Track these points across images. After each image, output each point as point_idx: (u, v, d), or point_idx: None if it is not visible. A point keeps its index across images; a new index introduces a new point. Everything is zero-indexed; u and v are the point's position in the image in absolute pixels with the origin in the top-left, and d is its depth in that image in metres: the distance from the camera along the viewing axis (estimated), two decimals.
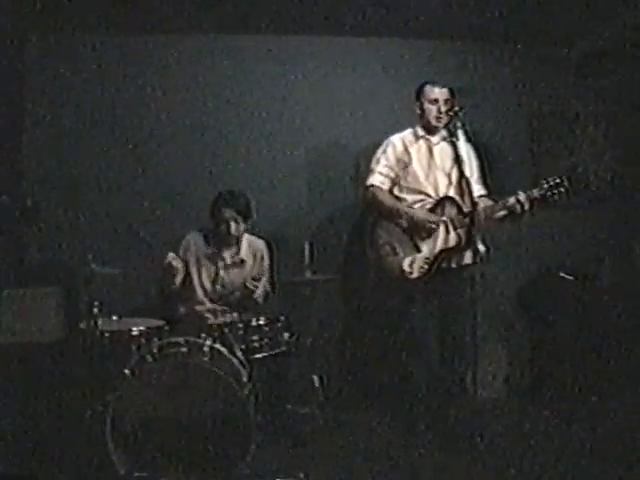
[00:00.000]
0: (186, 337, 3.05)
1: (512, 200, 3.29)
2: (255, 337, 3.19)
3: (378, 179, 3.58)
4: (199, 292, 3.58)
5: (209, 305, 3.57)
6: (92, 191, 4.12)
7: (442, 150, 3.55)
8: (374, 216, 3.60)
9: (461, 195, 3.39)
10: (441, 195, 3.49)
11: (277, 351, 3.25)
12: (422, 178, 3.53)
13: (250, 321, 3.21)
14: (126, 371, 2.84)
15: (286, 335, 3.29)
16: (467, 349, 3.33)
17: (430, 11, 3.97)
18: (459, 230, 3.40)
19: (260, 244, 3.69)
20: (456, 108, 3.24)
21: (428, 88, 3.53)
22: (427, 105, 3.53)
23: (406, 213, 3.47)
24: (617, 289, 4.20)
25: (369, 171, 3.62)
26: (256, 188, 4.10)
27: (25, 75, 4.13)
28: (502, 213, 3.35)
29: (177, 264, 3.43)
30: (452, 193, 3.47)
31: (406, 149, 3.57)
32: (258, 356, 3.19)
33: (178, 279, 3.49)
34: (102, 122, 4.15)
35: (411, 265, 3.43)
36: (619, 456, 3.11)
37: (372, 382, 4.07)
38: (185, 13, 3.90)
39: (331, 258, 4.14)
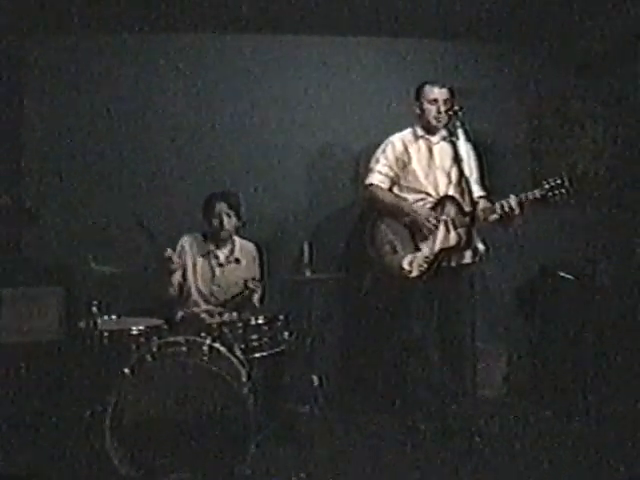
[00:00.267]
0: (185, 336, 3.05)
1: (504, 204, 3.27)
2: (254, 336, 3.19)
3: (377, 178, 3.58)
4: (195, 295, 3.60)
5: (205, 306, 3.58)
6: (92, 191, 4.12)
7: (442, 150, 3.55)
8: (374, 215, 3.60)
9: (461, 194, 3.39)
10: (441, 194, 3.49)
11: (276, 350, 3.25)
12: (422, 177, 3.53)
13: (249, 320, 3.21)
14: (126, 370, 2.83)
15: (285, 334, 3.29)
16: (467, 348, 3.33)
17: (430, 11, 3.97)
18: (459, 229, 3.40)
19: (250, 247, 3.75)
20: (456, 108, 3.24)
21: (428, 88, 3.53)
22: (427, 105, 3.53)
23: (408, 209, 3.47)
24: (617, 289, 4.20)
25: (368, 170, 3.63)
26: (256, 188, 4.12)
27: (25, 75, 4.14)
28: (495, 216, 3.34)
29: (176, 259, 3.47)
30: (452, 192, 3.48)
31: (406, 149, 3.58)
32: (257, 355, 3.19)
33: (176, 278, 3.52)
34: (102, 122, 4.15)
35: (411, 264, 3.43)
36: (619, 455, 3.11)
37: (371, 381, 4.08)
38: (185, 13, 3.91)
39: (331, 257, 4.15)
